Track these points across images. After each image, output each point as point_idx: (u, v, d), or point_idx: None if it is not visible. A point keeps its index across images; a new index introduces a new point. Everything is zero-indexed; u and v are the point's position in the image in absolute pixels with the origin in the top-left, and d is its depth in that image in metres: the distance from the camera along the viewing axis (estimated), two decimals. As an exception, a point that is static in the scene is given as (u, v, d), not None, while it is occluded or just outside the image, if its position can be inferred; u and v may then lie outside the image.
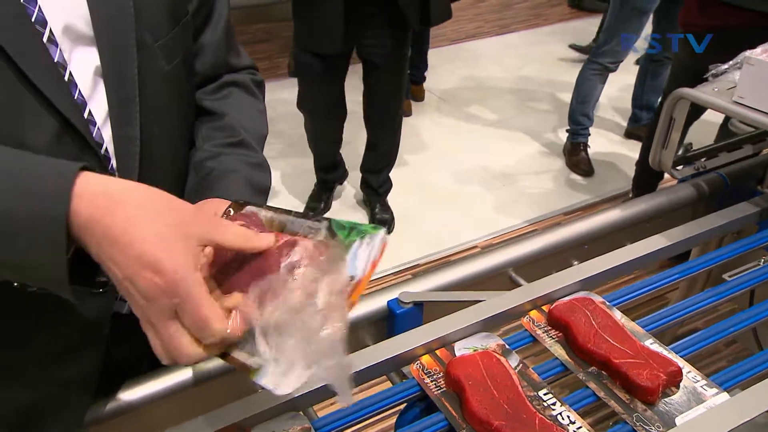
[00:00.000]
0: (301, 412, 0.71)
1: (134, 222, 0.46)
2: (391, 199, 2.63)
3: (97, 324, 0.68)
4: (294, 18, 2.16)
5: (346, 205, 2.76)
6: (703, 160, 1.13)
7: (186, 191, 0.71)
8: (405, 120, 3.36)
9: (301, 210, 2.55)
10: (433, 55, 3.65)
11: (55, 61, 0.56)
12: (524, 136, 3.30)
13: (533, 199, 2.80)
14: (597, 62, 2.85)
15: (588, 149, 3.03)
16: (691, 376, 0.72)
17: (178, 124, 0.72)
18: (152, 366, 0.77)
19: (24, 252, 0.46)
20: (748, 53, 0.96)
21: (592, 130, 3.04)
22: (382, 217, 2.56)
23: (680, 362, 0.74)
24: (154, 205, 0.49)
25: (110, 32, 0.61)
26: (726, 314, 0.88)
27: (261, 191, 0.72)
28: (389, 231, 2.56)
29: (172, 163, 0.72)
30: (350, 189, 2.81)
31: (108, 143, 0.63)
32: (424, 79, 3.61)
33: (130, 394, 0.75)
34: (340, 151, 2.61)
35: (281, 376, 0.48)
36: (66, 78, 0.58)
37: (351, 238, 0.53)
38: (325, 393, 0.72)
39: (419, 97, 3.59)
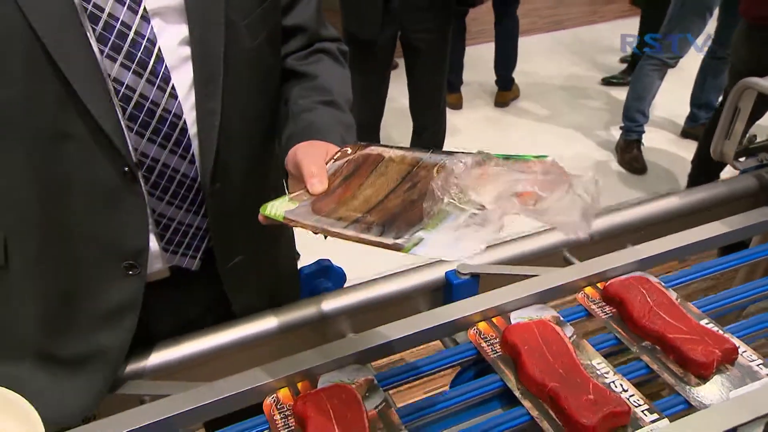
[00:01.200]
0: (366, 366, 0.75)
1: None
2: (440, 188, 2.66)
3: (131, 299, 0.73)
4: (340, 2, 2.20)
5: (395, 193, 2.78)
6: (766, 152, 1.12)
7: (284, 137, 0.73)
8: (456, 112, 3.38)
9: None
10: (486, 50, 3.64)
11: (147, 37, 0.61)
12: (575, 132, 3.27)
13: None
14: (656, 57, 2.79)
15: (642, 147, 2.99)
16: (746, 356, 0.73)
17: (258, 99, 0.76)
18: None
19: None
20: None
21: (646, 127, 2.99)
22: None
23: (736, 342, 0.74)
24: None
25: (201, 10, 0.65)
26: None
27: None
28: (437, 220, 2.59)
29: (250, 136, 0.76)
30: None
31: (187, 114, 0.67)
32: (509, 82, 3.54)
33: (210, 341, 0.81)
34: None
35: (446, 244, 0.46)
36: (153, 55, 0.62)
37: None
38: (385, 350, 0.77)
39: (457, 105, 3.51)
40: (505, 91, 3.55)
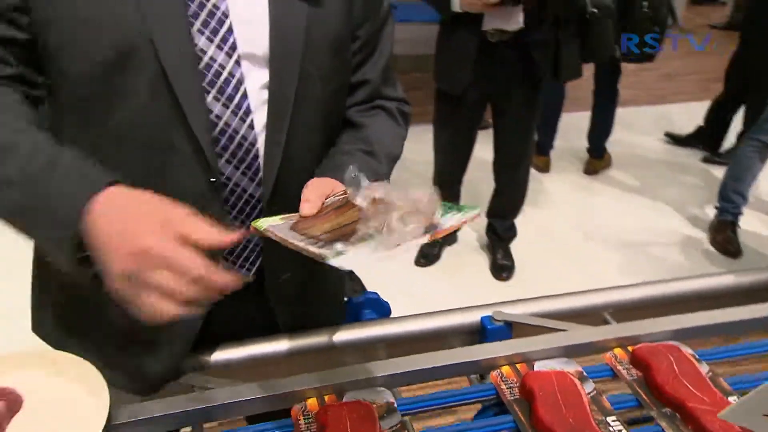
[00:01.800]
0: (389, 390, 0.80)
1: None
2: (514, 246, 2.67)
3: None
4: (435, 58, 2.29)
5: (468, 248, 2.83)
6: None
7: (316, 171, 0.81)
8: (542, 175, 3.39)
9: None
10: (581, 118, 3.64)
11: (237, 77, 0.74)
12: (666, 206, 3.17)
13: (664, 269, 2.68)
14: (757, 138, 2.68)
15: (737, 229, 2.85)
16: None
17: (319, 137, 0.85)
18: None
19: (51, 238, 0.64)
20: None
21: (745, 209, 2.86)
22: (503, 264, 2.59)
23: None
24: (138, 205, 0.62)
25: (281, 61, 0.76)
26: None
27: None
28: (508, 278, 2.59)
29: (307, 168, 0.84)
30: (472, 233, 2.89)
31: (260, 145, 0.78)
32: (601, 151, 3.53)
33: (256, 349, 0.90)
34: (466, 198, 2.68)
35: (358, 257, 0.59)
36: (241, 92, 0.75)
37: (449, 210, 0.65)
38: (411, 378, 0.82)
39: (545, 168, 3.52)
40: (597, 159, 3.51)
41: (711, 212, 2.96)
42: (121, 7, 0.68)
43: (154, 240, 0.56)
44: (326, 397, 0.79)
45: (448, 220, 0.65)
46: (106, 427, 0.66)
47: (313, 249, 0.60)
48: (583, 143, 3.56)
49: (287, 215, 0.72)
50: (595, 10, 2.11)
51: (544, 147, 3.51)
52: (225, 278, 0.57)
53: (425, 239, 0.61)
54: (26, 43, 0.69)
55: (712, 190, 3.19)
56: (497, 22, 2.03)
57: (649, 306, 1.01)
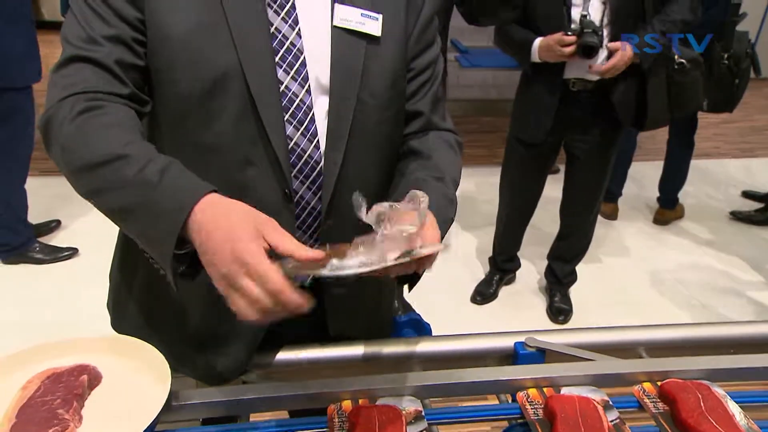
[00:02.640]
0: (419, 400, 0.85)
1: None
2: (574, 290, 2.64)
3: None
4: (513, 106, 2.31)
5: (527, 289, 2.81)
6: None
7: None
8: (609, 222, 3.34)
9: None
10: (654, 167, 3.57)
11: (307, 104, 0.84)
12: (740, 261, 3.04)
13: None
14: None
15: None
16: None
17: (375, 159, 0.92)
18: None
19: (153, 237, 0.70)
20: None
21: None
22: (560, 307, 2.56)
23: None
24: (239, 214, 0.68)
25: (340, 89, 0.84)
26: None
27: (444, 220, 0.84)
28: (565, 321, 2.55)
29: (361, 187, 0.85)
30: (533, 274, 2.87)
31: (322, 163, 0.86)
32: (674, 202, 3.46)
33: (310, 354, 0.97)
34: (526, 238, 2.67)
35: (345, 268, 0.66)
36: (310, 117, 0.84)
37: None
38: (441, 391, 0.87)
39: (612, 215, 3.45)
40: (668, 209, 3.42)
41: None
42: (219, 42, 0.78)
43: (250, 249, 0.63)
44: (360, 400, 0.84)
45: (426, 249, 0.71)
46: (166, 405, 0.74)
47: (312, 270, 0.67)
48: (654, 192, 3.48)
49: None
50: (684, 62, 2.07)
51: (613, 194, 3.45)
52: (298, 300, 0.64)
53: (402, 260, 0.68)
54: (141, 68, 0.80)
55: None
56: (579, 71, 2.05)
57: (684, 347, 1.01)
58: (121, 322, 1.04)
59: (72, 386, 0.76)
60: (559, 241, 2.59)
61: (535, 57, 2.07)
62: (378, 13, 0.86)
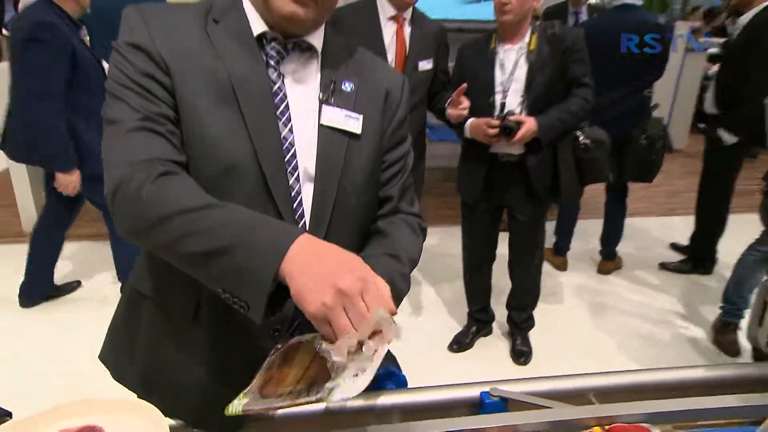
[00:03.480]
0: None
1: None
2: (533, 334, 2.61)
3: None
4: (457, 173, 2.35)
5: (496, 337, 2.76)
6: None
7: None
8: (560, 273, 3.35)
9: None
10: (598, 224, 3.59)
11: (296, 190, 0.83)
12: (672, 305, 3.05)
13: (665, 361, 2.54)
14: (758, 249, 2.56)
15: (739, 331, 2.69)
16: None
17: (355, 239, 0.90)
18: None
19: (250, 271, 0.63)
20: None
21: (747, 312, 2.71)
22: (521, 350, 2.52)
23: None
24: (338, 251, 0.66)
25: (324, 178, 0.84)
26: None
27: (397, 294, 0.80)
28: (526, 362, 2.51)
29: None
30: (502, 322, 2.83)
31: None
32: (613, 255, 3.47)
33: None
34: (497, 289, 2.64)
35: (351, 387, 0.60)
36: (297, 202, 0.83)
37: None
38: None
39: (562, 267, 3.47)
40: (608, 261, 3.45)
41: (713, 313, 2.82)
42: (238, 138, 0.78)
43: (349, 284, 0.61)
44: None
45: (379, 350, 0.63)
46: None
47: (305, 399, 0.62)
48: (597, 246, 3.52)
49: (245, 389, 0.69)
50: (587, 142, 2.13)
51: (562, 248, 3.49)
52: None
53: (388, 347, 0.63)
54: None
55: (716, 293, 3.06)
56: (503, 147, 2.10)
57: (628, 391, 0.99)
58: (122, 374, 0.98)
59: (82, 446, 0.72)
60: (512, 292, 2.56)
61: (468, 134, 2.12)
62: (359, 113, 0.87)
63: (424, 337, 2.65)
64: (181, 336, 0.90)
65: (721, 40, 4.80)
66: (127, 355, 0.97)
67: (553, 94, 2.04)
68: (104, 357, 1.02)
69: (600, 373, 1.02)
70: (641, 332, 2.79)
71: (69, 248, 3.13)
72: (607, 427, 0.86)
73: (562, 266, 3.46)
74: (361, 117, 0.86)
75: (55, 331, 2.66)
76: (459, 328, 2.71)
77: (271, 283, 0.63)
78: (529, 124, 1.98)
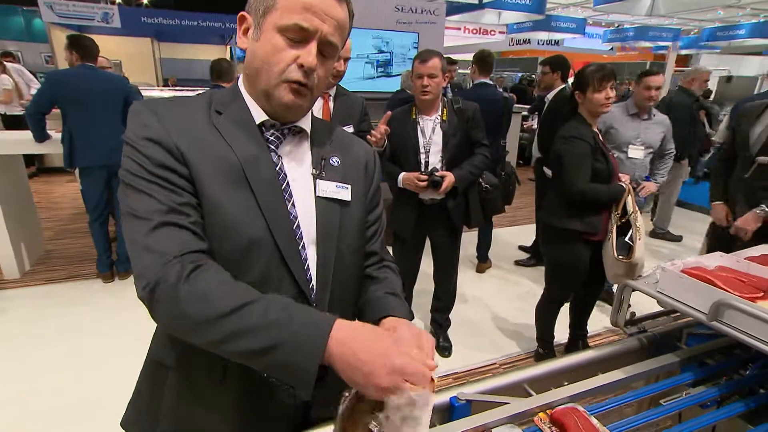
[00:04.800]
0: None
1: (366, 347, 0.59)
2: (450, 332, 2.64)
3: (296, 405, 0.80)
4: (390, 214, 2.32)
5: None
6: (643, 323, 1.18)
7: (366, 312, 0.82)
8: (476, 276, 3.44)
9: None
10: (474, 236, 3.82)
11: (303, 257, 0.76)
12: (533, 287, 3.31)
13: (530, 331, 2.73)
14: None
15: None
16: None
17: (351, 288, 0.85)
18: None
19: (296, 364, 0.58)
20: (663, 264, 1.07)
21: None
22: (444, 345, 2.54)
23: None
24: (374, 335, 0.61)
25: (325, 241, 0.79)
26: (665, 427, 0.89)
27: (405, 315, 0.80)
28: (449, 355, 2.52)
29: (343, 306, 0.83)
30: (422, 326, 2.83)
31: (314, 295, 0.78)
32: (486, 258, 3.63)
33: None
34: (415, 303, 2.61)
35: None
36: (306, 265, 0.77)
37: None
38: None
39: (482, 270, 3.60)
40: (483, 263, 3.66)
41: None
42: (252, 218, 0.71)
43: (404, 361, 0.57)
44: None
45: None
46: None
47: None
48: (475, 253, 3.73)
49: None
50: (488, 186, 2.30)
51: (482, 256, 3.62)
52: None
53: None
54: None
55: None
56: (427, 194, 2.17)
57: (550, 376, 1.04)
58: (139, 424, 0.84)
59: None
60: (437, 298, 2.58)
61: (400, 184, 2.16)
62: (347, 184, 0.83)
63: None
64: (209, 400, 0.78)
65: (527, 106, 5.61)
66: (152, 419, 0.82)
67: (463, 152, 2.17)
68: (126, 424, 0.86)
69: (525, 363, 1.07)
70: (500, 314, 2.99)
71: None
72: (549, 412, 0.89)
73: (482, 270, 3.60)
74: (349, 187, 0.83)
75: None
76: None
77: (316, 371, 0.59)
78: (450, 179, 2.08)
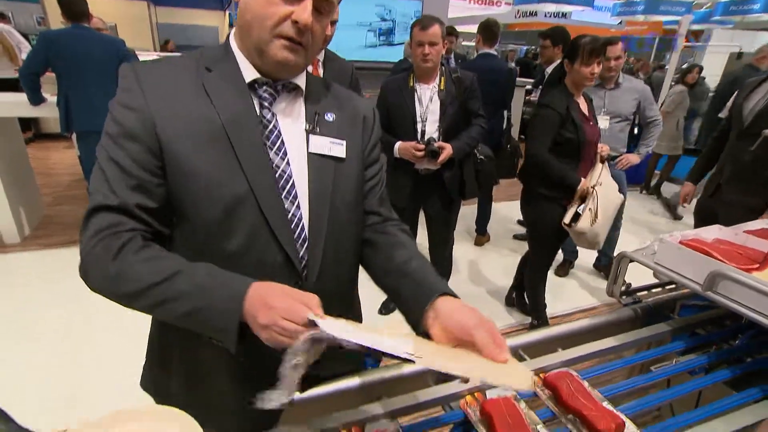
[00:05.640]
0: (395, 419, 0.80)
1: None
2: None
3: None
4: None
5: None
6: (638, 294, 1.19)
7: (409, 294, 0.75)
8: (474, 249, 3.45)
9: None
10: (473, 209, 3.81)
11: (297, 217, 0.75)
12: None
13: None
14: None
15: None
16: (630, 428, 0.77)
17: (346, 245, 0.83)
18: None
19: (218, 321, 0.63)
20: (662, 235, 1.07)
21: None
22: None
23: (624, 418, 0.78)
24: (281, 291, 0.63)
25: (317, 198, 0.77)
26: (653, 392, 0.91)
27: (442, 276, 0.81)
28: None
29: (338, 265, 0.82)
30: None
31: (305, 254, 0.77)
32: (484, 232, 3.64)
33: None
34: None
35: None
36: (296, 221, 0.75)
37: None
38: (407, 411, 0.82)
39: (480, 243, 3.62)
40: (482, 236, 3.68)
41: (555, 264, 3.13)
42: (234, 180, 0.70)
43: (278, 302, 0.61)
44: (353, 428, 0.77)
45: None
46: None
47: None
48: (473, 226, 3.74)
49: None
50: (482, 158, 2.27)
51: (481, 230, 3.63)
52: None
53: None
54: (160, 207, 0.70)
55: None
56: (424, 164, 2.14)
57: (544, 342, 1.06)
58: (163, 390, 0.86)
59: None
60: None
61: (397, 154, 2.13)
62: (342, 139, 0.81)
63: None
64: (208, 358, 0.79)
65: (531, 80, 5.51)
66: (165, 371, 0.84)
67: (459, 122, 2.13)
68: (145, 383, 0.88)
69: (521, 331, 1.09)
70: (505, 283, 2.98)
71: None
72: (543, 376, 0.91)
73: (480, 243, 3.62)
74: (344, 143, 0.80)
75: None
76: (385, 296, 2.71)
77: (237, 330, 0.63)
78: (448, 150, 2.05)
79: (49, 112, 2.99)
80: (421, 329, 0.71)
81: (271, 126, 0.75)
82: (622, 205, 2.41)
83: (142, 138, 0.67)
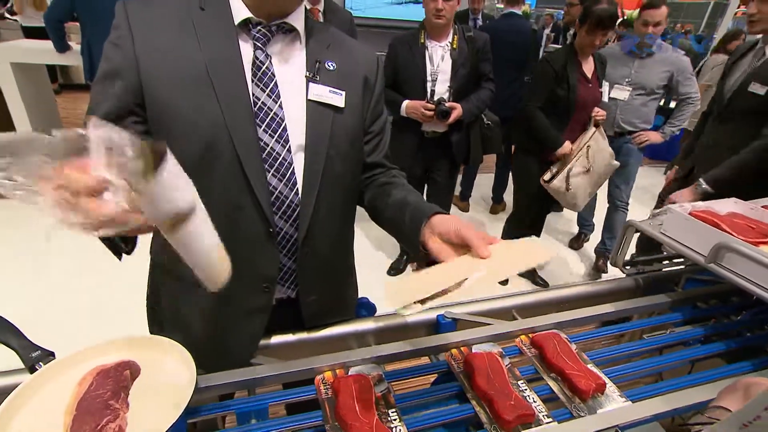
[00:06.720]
0: (379, 366, 0.82)
1: None
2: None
3: (264, 305, 0.82)
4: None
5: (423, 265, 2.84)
6: (643, 266, 1.15)
7: (407, 217, 0.76)
8: (464, 214, 3.46)
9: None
10: (490, 178, 3.77)
11: (288, 161, 0.75)
12: (544, 233, 3.28)
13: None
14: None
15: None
16: (611, 389, 0.77)
17: (340, 199, 0.84)
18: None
19: None
20: (670, 205, 1.02)
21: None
22: None
23: (606, 380, 0.78)
24: None
25: (313, 148, 0.77)
26: (644, 358, 0.89)
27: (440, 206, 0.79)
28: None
29: (331, 222, 0.84)
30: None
31: (300, 204, 0.78)
32: (501, 200, 3.62)
33: (293, 337, 0.90)
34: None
35: None
36: (291, 170, 0.76)
37: None
38: (393, 358, 0.84)
39: (465, 209, 3.59)
40: (497, 204, 3.63)
41: (567, 235, 3.08)
42: (209, 113, 0.70)
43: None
44: (338, 371, 0.80)
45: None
46: (195, 387, 0.64)
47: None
48: (490, 194, 3.67)
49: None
50: (489, 123, 2.20)
51: (465, 196, 3.60)
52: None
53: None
54: (146, 131, 0.71)
55: (566, 222, 3.32)
56: (431, 125, 2.08)
57: (538, 305, 1.05)
58: (155, 327, 0.91)
59: (118, 380, 0.65)
60: None
61: (403, 113, 2.06)
62: (342, 90, 0.79)
63: (368, 266, 2.65)
64: (191, 300, 0.82)
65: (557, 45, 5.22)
66: (158, 319, 0.88)
67: (470, 84, 2.05)
68: (150, 326, 0.92)
69: (518, 294, 1.08)
70: None
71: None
72: (531, 336, 0.91)
73: (465, 209, 3.59)
74: (344, 92, 0.79)
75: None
76: (394, 258, 2.75)
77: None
78: (459, 111, 2.00)
79: (75, 60, 3.03)
80: (419, 249, 0.72)
81: (264, 68, 0.73)
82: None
83: (125, 75, 0.68)
